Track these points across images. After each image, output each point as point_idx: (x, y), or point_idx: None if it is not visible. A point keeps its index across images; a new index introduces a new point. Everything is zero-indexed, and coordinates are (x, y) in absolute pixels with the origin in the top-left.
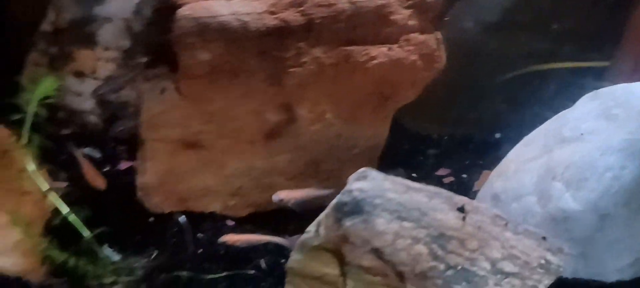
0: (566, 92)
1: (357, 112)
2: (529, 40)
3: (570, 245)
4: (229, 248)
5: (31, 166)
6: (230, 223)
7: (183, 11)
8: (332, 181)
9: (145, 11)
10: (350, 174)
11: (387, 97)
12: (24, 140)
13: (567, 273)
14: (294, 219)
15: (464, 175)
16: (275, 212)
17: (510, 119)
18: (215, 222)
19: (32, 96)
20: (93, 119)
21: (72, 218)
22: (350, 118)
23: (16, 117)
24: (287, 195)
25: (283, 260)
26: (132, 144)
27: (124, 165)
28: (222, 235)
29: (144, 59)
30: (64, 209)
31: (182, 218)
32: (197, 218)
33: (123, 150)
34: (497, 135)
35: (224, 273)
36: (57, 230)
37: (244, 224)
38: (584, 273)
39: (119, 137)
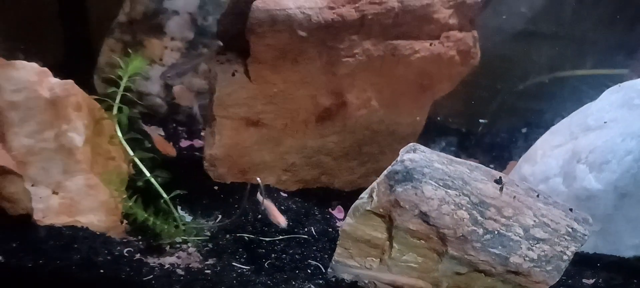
0: (584, 97)
1: (398, 100)
2: (552, 48)
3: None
4: (285, 214)
5: (119, 134)
6: (283, 194)
7: (257, 4)
8: (372, 163)
9: (208, 7)
10: (389, 158)
11: (426, 88)
12: (114, 111)
13: (588, 248)
14: (338, 196)
15: (492, 165)
16: (320, 188)
17: (534, 117)
18: (271, 193)
19: (123, 73)
20: (158, 101)
21: (153, 181)
22: (392, 105)
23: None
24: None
25: (330, 229)
26: (191, 126)
27: (184, 143)
28: (279, 204)
29: (217, 47)
30: (146, 173)
31: (259, 181)
32: (255, 189)
33: (183, 130)
34: (523, 130)
35: (280, 237)
36: (138, 192)
37: (293, 197)
38: (603, 249)
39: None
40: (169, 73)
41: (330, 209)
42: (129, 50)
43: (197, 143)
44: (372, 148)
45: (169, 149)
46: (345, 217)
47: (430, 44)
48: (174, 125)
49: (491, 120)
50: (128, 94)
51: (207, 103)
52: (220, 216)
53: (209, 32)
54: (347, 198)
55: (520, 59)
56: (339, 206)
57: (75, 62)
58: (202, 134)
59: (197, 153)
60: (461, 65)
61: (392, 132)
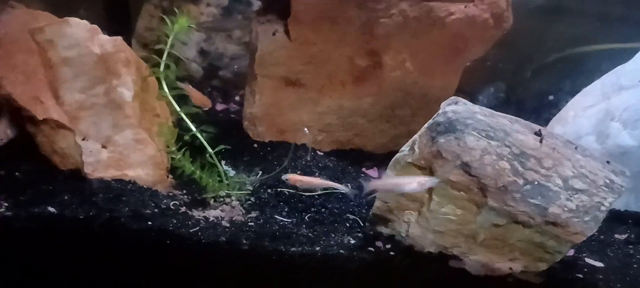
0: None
1: (432, 63)
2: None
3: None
4: (322, 171)
5: (166, 90)
6: (320, 153)
7: None
8: (403, 126)
9: None
10: (420, 121)
11: (459, 51)
12: (161, 68)
13: (620, 205)
14: (370, 159)
15: None
16: (353, 150)
17: (561, 87)
18: (308, 152)
19: (170, 31)
20: (194, 66)
21: (199, 136)
22: (426, 68)
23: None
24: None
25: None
26: (225, 91)
27: (219, 106)
28: (315, 162)
29: (258, 8)
30: (193, 128)
31: (306, 132)
32: (294, 147)
33: (218, 95)
34: (550, 98)
35: (318, 191)
36: (184, 147)
37: (330, 156)
38: (635, 206)
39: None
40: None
41: (364, 168)
42: (164, 16)
43: (233, 107)
44: (404, 110)
45: (205, 101)
46: (380, 176)
47: (465, 6)
48: (209, 89)
49: (519, 86)
50: (173, 52)
51: (247, 65)
52: (261, 172)
53: None
54: (378, 160)
55: (543, 35)
56: (374, 167)
57: (113, 26)
58: (237, 98)
59: (233, 115)
60: (494, 28)
61: (424, 95)
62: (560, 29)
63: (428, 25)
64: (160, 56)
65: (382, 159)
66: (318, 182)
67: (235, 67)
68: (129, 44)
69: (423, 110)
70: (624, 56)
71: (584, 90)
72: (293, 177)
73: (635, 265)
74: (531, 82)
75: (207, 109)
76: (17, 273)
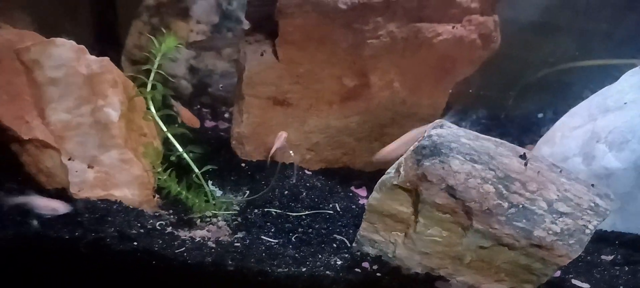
0: (595, 86)
1: (420, 82)
2: (565, 39)
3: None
4: (309, 191)
5: (152, 111)
6: (307, 172)
7: None
8: None
9: None
10: None
11: (447, 71)
12: (148, 88)
13: (606, 226)
14: (358, 177)
15: None
16: (341, 169)
17: (549, 104)
18: (294, 174)
19: (157, 51)
20: (184, 83)
21: (186, 156)
22: (414, 88)
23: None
24: (388, 152)
25: (353, 206)
26: (215, 108)
27: (209, 124)
28: (302, 182)
29: (246, 28)
30: (179, 148)
31: (294, 156)
32: (281, 167)
33: (207, 112)
34: (539, 115)
35: (306, 212)
36: (170, 168)
37: (317, 175)
38: (621, 227)
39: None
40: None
41: (353, 187)
42: (151, 37)
43: (222, 125)
44: (393, 129)
45: (194, 122)
46: (368, 195)
47: (453, 27)
48: (198, 106)
49: (507, 105)
50: (161, 72)
51: (235, 83)
52: (247, 192)
53: (234, 16)
54: (367, 178)
55: (532, 50)
56: (363, 186)
57: (103, 44)
58: (226, 115)
59: (222, 133)
60: (482, 49)
61: (413, 114)
62: (547, 46)
63: (416, 46)
64: (148, 76)
65: (371, 177)
66: (404, 139)
67: (221, 86)
68: (118, 61)
69: (412, 129)
70: (612, 72)
71: (571, 110)
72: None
73: (621, 286)
74: (518, 101)
75: (196, 128)
76: None
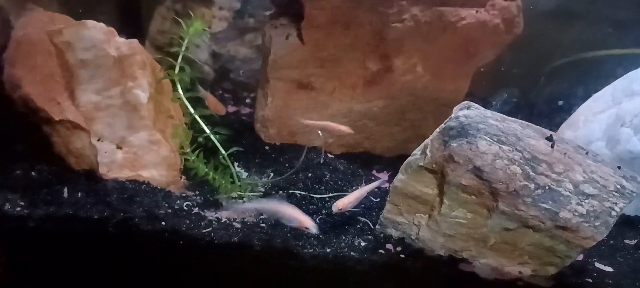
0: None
1: (443, 67)
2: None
3: None
4: (333, 174)
5: (180, 93)
6: (330, 155)
7: None
8: (413, 130)
9: None
10: (430, 125)
11: (470, 56)
12: (176, 70)
13: (630, 211)
14: (378, 162)
15: None
16: (362, 153)
17: (570, 92)
18: (319, 154)
19: (185, 34)
20: (206, 68)
21: (213, 138)
22: (436, 72)
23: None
24: (345, 205)
25: (376, 189)
26: (236, 94)
27: (231, 109)
28: (326, 165)
29: (272, 12)
30: (206, 130)
31: (319, 134)
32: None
33: (229, 97)
34: (560, 103)
35: (329, 194)
36: (197, 149)
37: (340, 159)
38: None
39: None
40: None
41: (374, 171)
42: (178, 19)
43: (244, 110)
44: (414, 114)
45: (219, 108)
46: (389, 179)
47: (476, 11)
48: (221, 92)
49: (530, 92)
50: (188, 55)
51: (259, 68)
52: (272, 174)
53: (255, 1)
54: (387, 163)
55: (553, 40)
56: (384, 170)
57: (126, 30)
58: (248, 101)
59: (244, 118)
60: (505, 33)
61: (435, 99)
62: (572, 33)
63: (439, 30)
64: (175, 59)
65: (391, 162)
66: (359, 193)
67: (242, 72)
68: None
69: (433, 114)
70: (637, 61)
71: (595, 95)
72: (342, 204)
73: None
74: (543, 87)
75: (220, 114)
76: (31, 272)
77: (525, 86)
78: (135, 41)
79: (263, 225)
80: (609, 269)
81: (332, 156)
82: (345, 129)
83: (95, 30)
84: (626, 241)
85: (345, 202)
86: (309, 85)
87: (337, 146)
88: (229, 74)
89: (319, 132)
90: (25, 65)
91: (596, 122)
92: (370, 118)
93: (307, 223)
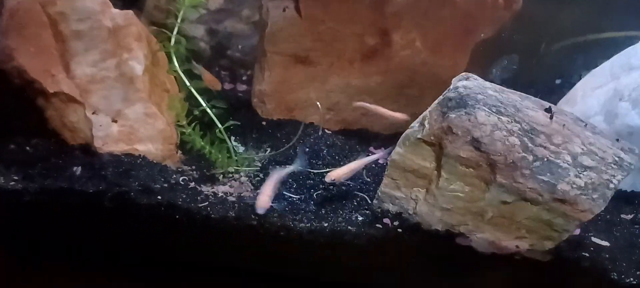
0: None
1: (441, 42)
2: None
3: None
4: (330, 150)
5: (176, 65)
6: (327, 131)
7: None
8: (411, 107)
9: None
10: (428, 102)
11: (469, 32)
12: (172, 42)
13: (626, 186)
14: (376, 139)
15: None
16: (360, 130)
17: (568, 70)
18: (316, 130)
19: (181, 5)
20: (202, 44)
21: (209, 111)
22: (435, 48)
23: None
24: (338, 176)
25: (373, 165)
26: (233, 71)
27: (227, 86)
28: (323, 140)
29: None
30: (203, 103)
31: (318, 105)
32: (303, 125)
33: (225, 74)
34: (557, 81)
35: (326, 169)
36: (193, 122)
37: (337, 135)
38: None
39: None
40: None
41: (372, 148)
42: None
43: (241, 86)
44: (412, 90)
45: (215, 84)
46: (388, 155)
47: None
48: (217, 69)
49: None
50: (183, 27)
51: (256, 43)
52: (269, 149)
53: None
54: (385, 140)
55: (553, 21)
56: (382, 147)
57: (122, 4)
58: (244, 78)
59: (241, 95)
60: (504, 9)
61: (433, 74)
62: (570, 14)
63: (439, 5)
64: (171, 31)
65: (389, 139)
66: (355, 165)
67: (240, 46)
68: None
69: (431, 91)
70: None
71: (593, 71)
72: (336, 174)
73: None
74: (539, 67)
75: (216, 90)
76: (27, 246)
77: (523, 65)
78: (130, 12)
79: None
80: (606, 243)
81: (329, 132)
82: (399, 115)
83: (90, 1)
84: (622, 216)
85: (340, 173)
86: (307, 59)
87: (335, 122)
88: (225, 51)
89: (318, 104)
90: (19, 36)
91: (594, 97)
92: (368, 93)
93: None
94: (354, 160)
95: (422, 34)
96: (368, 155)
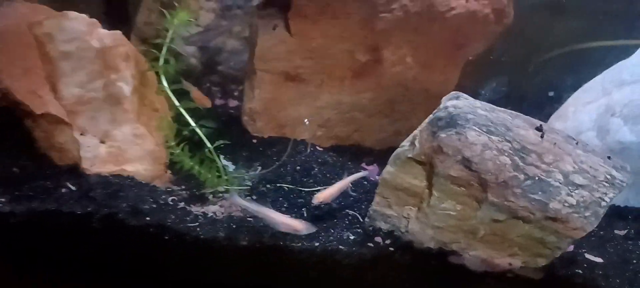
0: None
1: (432, 58)
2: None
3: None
4: (321, 168)
5: (165, 85)
6: (319, 148)
7: None
8: (403, 122)
9: None
10: (420, 117)
11: (459, 47)
12: (161, 62)
13: (619, 201)
14: (369, 154)
15: None
16: (352, 146)
17: (560, 84)
18: (307, 147)
19: (170, 24)
20: (193, 61)
21: (198, 131)
22: (426, 63)
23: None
24: (325, 197)
25: (365, 182)
26: (224, 87)
27: (218, 102)
28: (314, 158)
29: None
30: (192, 123)
31: (306, 123)
32: (293, 143)
33: (216, 90)
34: (550, 94)
35: (317, 188)
36: (182, 142)
37: (329, 152)
38: (634, 202)
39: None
40: (202, 36)
41: (364, 164)
42: (163, 10)
43: (232, 103)
44: (404, 106)
45: (205, 101)
46: (379, 172)
47: (466, 1)
48: (208, 85)
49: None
50: (173, 47)
51: (247, 58)
52: (260, 167)
53: None
54: (377, 155)
55: (542, 32)
56: (374, 163)
57: (112, 22)
58: (236, 94)
59: (232, 111)
60: (495, 24)
61: (425, 90)
62: (561, 25)
63: (429, 21)
64: (160, 50)
65: (381, 155)
66: (341, 184)
67: (232, 63)
68: (128, 39)
69: (423, 106)
70: (627, 53)
71: (584, 86)
72: (323, 196)
73: (634, 261)
74: (532, 79)
75: (206, 108)
76: (15, 268)
77: (515, 79)
78: (118, 33)
79: (250, 219)
80: (599, 260)
81: (321, 149)
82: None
83: (77, 21)
84: (616, 231)
85: (326, 195)
86: (297, 76)
87: (326, 138)
88: (216, 67)
89: (306, 121)
90: (4, 57)
91: (586, 112)
92: (360, 110)
93: (297, 226)
94: (341, 179)
95: (412, 50)
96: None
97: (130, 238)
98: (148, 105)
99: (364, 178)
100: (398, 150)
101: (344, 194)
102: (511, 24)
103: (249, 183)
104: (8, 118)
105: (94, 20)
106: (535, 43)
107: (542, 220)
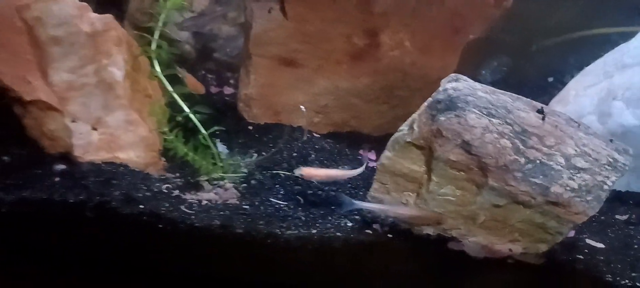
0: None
1: (431, 42)
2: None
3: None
4: (318, 154)
5: (158, 70)
6: (316, 135)
7: None
8: (401, 108)
9: None
10: (418, 102)
11: (458, 30)
12: (153, 46)
13: (621, 186)
14: (367, 141)
15: None
16: (350, 133)
17: (560, 68)
18: (304, 134)
19: (162, 8)
20: (188, 47)
21: (192, 117)
22: (424, 48)
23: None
24: (310, 174)
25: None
26: (220, 74)
27: (214, 89)
28: (311, 144)
29: None
30: (186, 109)
31: (302, 109)
32: (289, 129)
33: (212, 78)
34: (550, 80)
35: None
36: (176, 128)
37: (326, 138)
38: (635, 187)
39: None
40: (195, 21)
41: (361, 151)
42: None
43: (227, 90)
44: (402, 91)
45: (198, 88)
46: (377, 158)
47: None
48: (203, 72)
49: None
50: (165, 31)
51: (242, 43)
52: (256, 154)
53: None
54: (375, 142)
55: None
56: (372, 149)
57: (104, 8)
58: (231, 81)
59: (227, 98)
60: (494, 7)
61: (423, 75)
62: (562, 11)
63: (426, 4)
64: (152, 34)
65: (379, 141)
66: (334, 173)
67: (227, 50)
68: (121, 26)
69: (421, 91)
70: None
71: (585, 69)
72: (307, 172)
73: (635, 246)
74: (531, 65)
75: (200, 94)
76: (5, 258)
77: (515, 64)
78: (109, 16)
79: (246, 207)
80: (600, 245)
81: (318, 136)
82: None
83: (67, 5)
84: (617, 217)
85: (312, 173)
86: (294, 61)
87: (324, 125)
88: (211, 54)
89: (302, 108)
90: None
91: (587, 96)
92: (357, 95)
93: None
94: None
95: (410, 34)
96: (358, 160)
97: (124, 227)
98: (141, 91)
99: (361, 164)
100: (396, 134)
101: (339, 181)
102: (510, 7)
103: (245, 170)
104: None
105: (84, 3)
106: (535, 28)
107: (543, 204)
